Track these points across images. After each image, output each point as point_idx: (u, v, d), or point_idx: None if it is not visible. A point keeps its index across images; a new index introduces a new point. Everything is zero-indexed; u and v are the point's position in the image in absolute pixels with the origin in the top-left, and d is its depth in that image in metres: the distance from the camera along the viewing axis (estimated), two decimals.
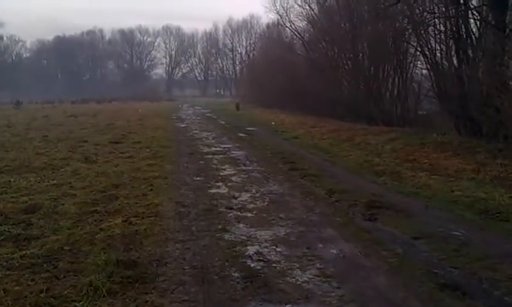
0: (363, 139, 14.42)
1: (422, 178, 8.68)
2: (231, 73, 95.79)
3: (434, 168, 9.81)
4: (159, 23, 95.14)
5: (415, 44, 21.26)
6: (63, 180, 8.05)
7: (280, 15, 34.96)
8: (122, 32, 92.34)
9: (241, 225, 5.65)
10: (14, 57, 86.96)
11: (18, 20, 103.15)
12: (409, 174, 9.11)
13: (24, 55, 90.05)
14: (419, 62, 22.24)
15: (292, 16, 33.25)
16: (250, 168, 9.82)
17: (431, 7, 18.60)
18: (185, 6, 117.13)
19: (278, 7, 34.60)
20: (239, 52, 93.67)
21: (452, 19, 16.66)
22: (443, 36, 19.50)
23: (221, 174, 9.13)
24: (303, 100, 29.40)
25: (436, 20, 18.55)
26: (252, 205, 6.61)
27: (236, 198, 7.05)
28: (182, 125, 21.27)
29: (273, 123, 22.20)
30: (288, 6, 33.35)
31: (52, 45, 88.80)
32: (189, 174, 9.02)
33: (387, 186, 8.13)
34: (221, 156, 11.45)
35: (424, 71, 22.24)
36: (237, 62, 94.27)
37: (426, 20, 19.87)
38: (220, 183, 8.21)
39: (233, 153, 11.93)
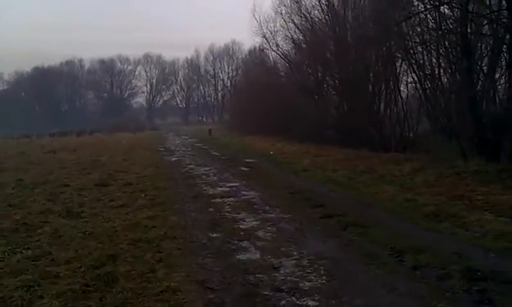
0: (384, 170, 12.79)
1: (491, 223, 7.04)
2: (213, 99, 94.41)
3: (493, 206, 8.22)
4: (140, 53, 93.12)
5: (411, 62, 20.30)
6: (41, 250, 6.09)
7: (266, 39, 33.65)
8: (102, 61, 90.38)
9: None
10: None
11: None
12: (471, 217, 7.45)
13: (1, 88, 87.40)
14: (410, 82, 21.42)
15: (279, 39, 32.04)
16: (273, 216, 8.00)
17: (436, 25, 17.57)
18: (166, 35, 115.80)
19: (264, 30, 33.33)
20: (221, 78, 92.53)
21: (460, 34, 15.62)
22: (452, 52, 18.50)
23: (242, 226, 7.29)
24: (295, 126, 27.98)
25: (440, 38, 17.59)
26: (307, 283, 4.79)
27: (278, 270, 5.22)
28: (174, 159, 19.36)
29: (271, 152, 20.49)
30: (275, 30, 32.17)
31: (30, 76, 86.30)
32: (201, 230, 7.16)
33: (458, 237, 6.42)
34: (232, 199, 9.61)
35: (414, 92, 21.48)
36: (220, 89, 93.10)
37: (429, 39, 18.95)
38: (246, 243, 6.37)
39: (244, 195, 10.10)
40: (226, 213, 8.26)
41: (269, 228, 7.13)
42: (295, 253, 5.82)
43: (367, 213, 8.07)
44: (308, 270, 5.15)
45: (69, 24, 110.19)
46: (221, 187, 11.35)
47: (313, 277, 4.93)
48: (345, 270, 5.20)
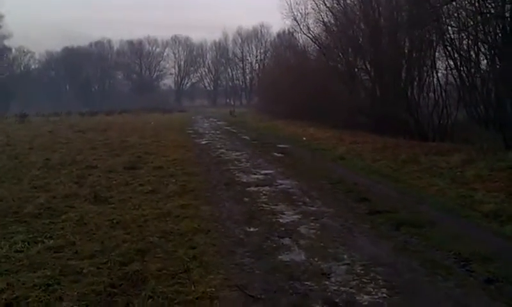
0: (429, 161, 11.88)
1: None
2: (241, 82, 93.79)
3: None
4: (168, 34, 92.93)
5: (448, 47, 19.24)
6: (64, 239, 5.58)
7: (297, 21, 32.59)
8: (131, 43, 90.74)
9: None
10: (22, 69, 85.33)
11: (27, 31, 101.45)
12: None
13: (33, 67, 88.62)
14: (447, 68, 20.34)
15: (310, 22, 30.95)
16: (315, 209, 7.30)
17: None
18: (194, 16, 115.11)
19: (295, 12, 32.26)
20: (249, 61, 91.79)
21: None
22: (492, 37, 17.40)
23: (281, 220, 6.63)
24: (326, 111, 27.10)
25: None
26: (365, 296, 4.08)
27: (329, 277, 4.54)
28: (203, 142, 18.81)
29: (304, 138, 19.70)
30: (306, 12, 31.09)
31: (60, 56, 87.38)
32: (237, 223, 6.52)
33: None
34: (268, 188, 8.94)
35: (451, 79, 20.36)
36: (248, 72, 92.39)
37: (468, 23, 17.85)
38: (288, 241, 5.70)
39: (281, 184, 9.42)
40: (263, 205, 7.60)
41: (312, 224, 6.44)
42: (345, 256, 5.12)
43: (418, 210, 7.28)
44: (364, 280, 4.45)
45: (98, 4, 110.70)
46: (254, 174, 10.69)
47: (372, 289, 4.23)
48: (406, 280, 4.47)
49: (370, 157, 13.17)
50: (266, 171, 10.98)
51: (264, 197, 8.21)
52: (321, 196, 8.26)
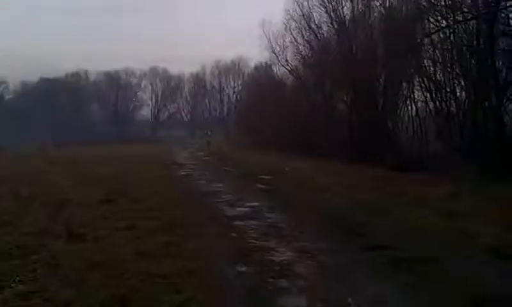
0: (417, 193, 11.59)
1: None
2: (219, 114, 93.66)
3: None
4: (145, 67, 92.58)
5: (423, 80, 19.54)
6: (35, 284, 4.98)
7: (275, 54, 32.84)
8: (108, 74, 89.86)
9: None
10: None
11: (1, 60, 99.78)
12: None
13: (7, 97, 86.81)
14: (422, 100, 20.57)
15: (288, 54, 31.25)
16: (308, 245, 6.82)
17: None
18: (172, 50, 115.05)
19: (273, 46, 32.53)
20: (227, 92, 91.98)
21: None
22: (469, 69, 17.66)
23: (274, 259, 6.13)
24: (306, 143, 26.96)
25: None
26: None
27: None
28: (182, 173, 18.28)
29: (286, 168, 19.33)
30: (285, 45, 31.42)
31: (36, 87, 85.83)
32: (226, 262, 6.01)
33: None
34: (255, 223, 8.45)
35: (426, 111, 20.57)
36: (225, 103, 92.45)
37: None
38: (285, 282, 5.21)
39: (268, 217, 8.95)
40: (253, 240, 7.10)
41: (308, 262, 5.97)
42: (349, 300, 4.66)
43: (416, 245, 6.88)
44: None
45: (75, 37, 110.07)
46: (239, 206, 10.21)
47: None
48: None
49: (357, 188, 12.82)
50: (251, 204, 10.50)
51: (251, 232, 7.72)
52: (313, 230, 7.82)
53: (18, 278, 5.15)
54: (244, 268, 5.72)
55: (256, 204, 10.50)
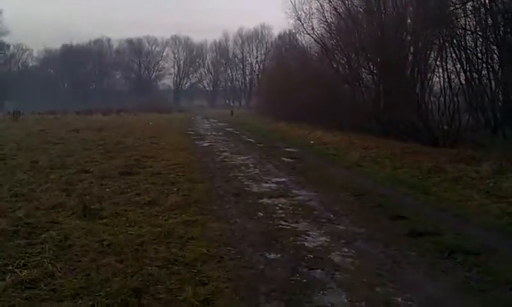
0: (456, 171, 10.76)
1: None
2: (241, 84, 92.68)
3: None
4: (168, 35, 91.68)
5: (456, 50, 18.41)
6: (41, 269, 4.42)
7: (301, 21, 31.42)
8: (130, 41, 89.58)
9: None
10: (20, 66, 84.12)
11: (25, 27, 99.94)
12: None
13: (31, 64, 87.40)
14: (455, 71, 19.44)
15: (314, 22, 29.86)
16: (344, 229, 6.15)
17: None
18: (194, 18, 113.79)
19: (299, 12, 31.12)
20: (250, 62, 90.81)
21: None
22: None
23: (307, 244, 5.48)
24: (331, 114, 26.02)
25: None
26: None
27: None
28: (205, 144, 17.67)
29: (312, 141, 18.59)
30: (311, 12, 29.98)
31: (59, 54, 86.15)
32: (254, 246, 5.38)
33: None
34: (283, 200, 7.80)
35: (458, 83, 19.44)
36: (248, 73, 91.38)
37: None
38: (321, 274, 4.56)
39: (297, 195, 8.28)
40: (282, 222, 6.45)
41: (345, 250, 5.30)
42: (399, 300, 3.99)
43: (465, 231, 6.14)
44: None
45: (98, 3, 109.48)
46: (265, 182, 9.55)
47: None
48: None
49: (389, 164, 12.04)
50: (278, 179, 9.85)
51: (280, 211, 7.07)
52: (347, 211, 7.12)
53: (23, 262, 4.61)
54: (274, 256, 5.09)
55: (283, 179, 9.84)
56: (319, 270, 4.67)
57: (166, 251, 5.04)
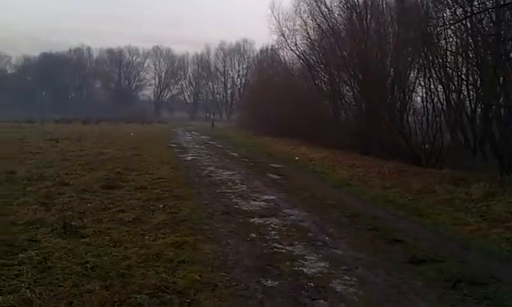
0: (446, 192, 10.61)
1: None
2: (222, 97, 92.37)
3: None
4: (149, 46, 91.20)
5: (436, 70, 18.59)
6: (17, 296, 3.99)
7: (284, 37, 31.48)
8: (111, 51, 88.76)
9: None
10: None
11: (4, 35, 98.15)
12: None
13: (9, 72, 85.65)
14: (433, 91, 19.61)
15: (297, 38, 29.99)
16: (342, 253, 5.85)
17: None
18: (176, 30, 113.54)
19: (283, 28, 31.23)
20: (231, 76, 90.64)
21: None
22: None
23: (306, 271, 5.15)
24: (314, 130, 25.95)
25: None
26: None
27: None
28: (188, 157, 17.29)
29: (297, 157, 18.37)
30: (294, 29, 30.12)
31: (37, 62, 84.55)
32: (249, 272, 5.03)
33: None
34: (276, 221, 7.48)
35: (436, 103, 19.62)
36: (229, 86, 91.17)
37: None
38: (324, 305, 4.25)
39: (289, 214, 7.97)
40: (276, 244, 6.12)
41: (347, 278, 4.99)
42: None
43: (466, 258, 5.90)
44: None
45: (79, 13, 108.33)
46: (254, 200, 9.23)
47: None
48: None
49: (379, 183, 11.87)
50: (267, 197, 9.54)
51: (273, 232, 6.74)
52: (342, 233, 6.83)
53: None
54: (271, 283, 4.75)
55: (272, 197, 9.53)
56: (322, 301, 4.35)
57: (155, 277, 4.65)
